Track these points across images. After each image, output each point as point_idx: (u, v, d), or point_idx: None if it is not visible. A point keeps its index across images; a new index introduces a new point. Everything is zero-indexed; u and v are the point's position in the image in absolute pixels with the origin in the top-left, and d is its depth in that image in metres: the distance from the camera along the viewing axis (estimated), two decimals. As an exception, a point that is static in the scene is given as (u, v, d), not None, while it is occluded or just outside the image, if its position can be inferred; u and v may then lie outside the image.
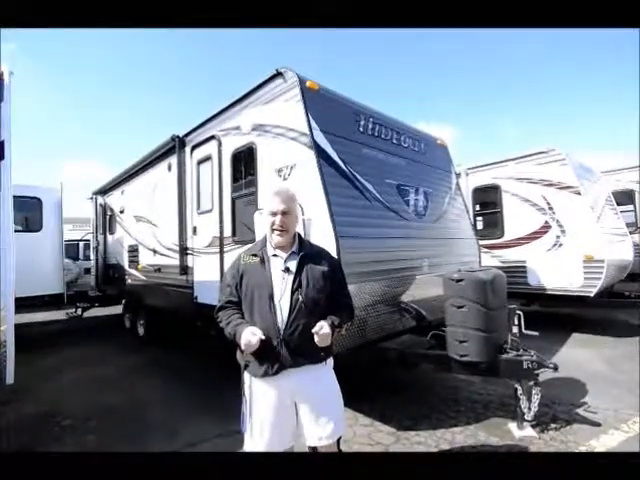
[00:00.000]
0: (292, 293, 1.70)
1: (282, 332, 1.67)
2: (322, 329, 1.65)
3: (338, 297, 1.85)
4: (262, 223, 3.54)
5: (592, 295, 5.54)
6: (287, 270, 1.73)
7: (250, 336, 1.60)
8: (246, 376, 1.77)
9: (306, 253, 1.79)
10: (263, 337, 1.61)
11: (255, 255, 1.79)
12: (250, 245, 1.88)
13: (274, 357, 1.67)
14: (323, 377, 1.79)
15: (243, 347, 1.63)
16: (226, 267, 4.11)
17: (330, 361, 1.85)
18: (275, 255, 1.78)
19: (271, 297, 1.69)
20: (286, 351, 1.67)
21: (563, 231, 5.87)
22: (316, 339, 1.65)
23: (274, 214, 1.75)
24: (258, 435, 1.70)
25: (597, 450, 2.74)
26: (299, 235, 1.88)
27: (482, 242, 5.63)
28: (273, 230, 1.76)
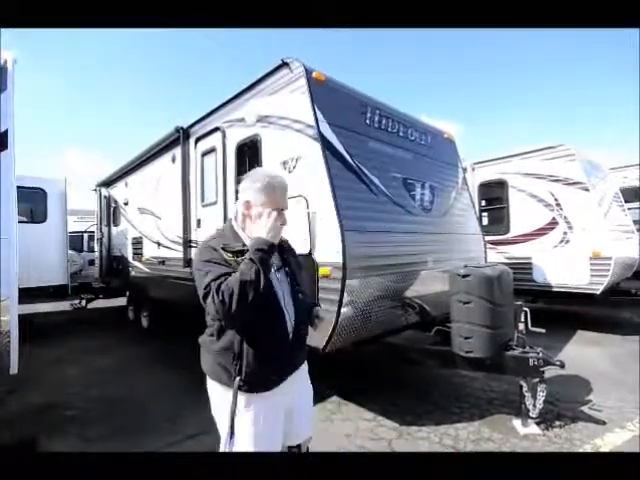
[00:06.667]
0: (292, 289, 1.55)
1: (291, 335, 1.50)
2: (323, 312, 1.61)
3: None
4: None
5: (598, 293, 5.49)
6: (279, 267, 1.55)
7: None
8: (240, 397, 1.42)
9: (280, 245, 1.56)
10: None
11: (241, 252, 1.43)
12: (210, 241, 1.54)
13: (281, 364, 1.50)
14: (306, 373, 1.71)
15: (272, 233, 1.40)
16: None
17: None
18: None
19: (276, 297, 1.49)
20: (293, 353, 1.55)
21: (570, 227, 5.81)
22: (317, 323, 1.60)
23: (279, 209, 1.49)
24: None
25: (602, 448, 2.72)
26: None
27: (487, 238, 5.58)
28: (275, 229, 1.48)
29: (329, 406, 3.52)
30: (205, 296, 1.34)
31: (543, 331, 3.26)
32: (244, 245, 1.47)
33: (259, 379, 1.44)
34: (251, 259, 1.33)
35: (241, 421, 1.43)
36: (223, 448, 1.46)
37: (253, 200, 1.49)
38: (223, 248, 1.43)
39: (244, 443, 1.43)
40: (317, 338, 3.00)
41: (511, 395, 3.48)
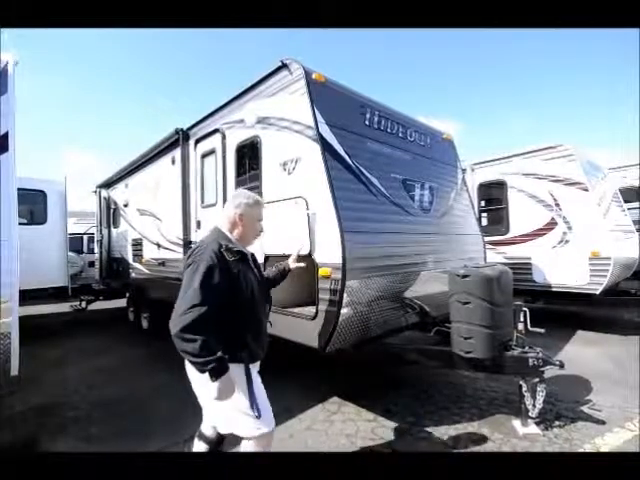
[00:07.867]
0: (261, 278, 2.05)
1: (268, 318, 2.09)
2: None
3: None
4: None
5: (598, 293, 5.48)
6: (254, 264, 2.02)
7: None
8: (242, 367, 1.79)
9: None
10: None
11: (238, 252, 1.83)
12: (212, 243, 1.81)
13: (264, 342, 1.96)
14: None
15: (224, 393, 1.65)
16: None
17: None
18: (250, 253, 2.01)
19: (268, 291, 2.13)
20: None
21: (569, 228, 5.81)
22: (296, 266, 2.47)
23: (260, 220, 2.03)
24: (266, 414, 1.81)
25: (602, 448, 2.72)
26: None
27: (487, 238, 5.58)
28: (257, 234, 2.04)
29: (329, 407, 3.52)
30: (186, 310, 1.80)
31: (542, 331, 3.25)
32: (236, 245, 1.87)
33: (252, 351, 1.84)
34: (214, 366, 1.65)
35: (253, 383, 1.79)
36: (250, 413, 1.71)
37: (245, 213, 1.93)
38: (227, 249, 1.78)
39: (264, 406, 1.80)
40: (317, 339, 3.00)
41: (511, 395, 3.48)
